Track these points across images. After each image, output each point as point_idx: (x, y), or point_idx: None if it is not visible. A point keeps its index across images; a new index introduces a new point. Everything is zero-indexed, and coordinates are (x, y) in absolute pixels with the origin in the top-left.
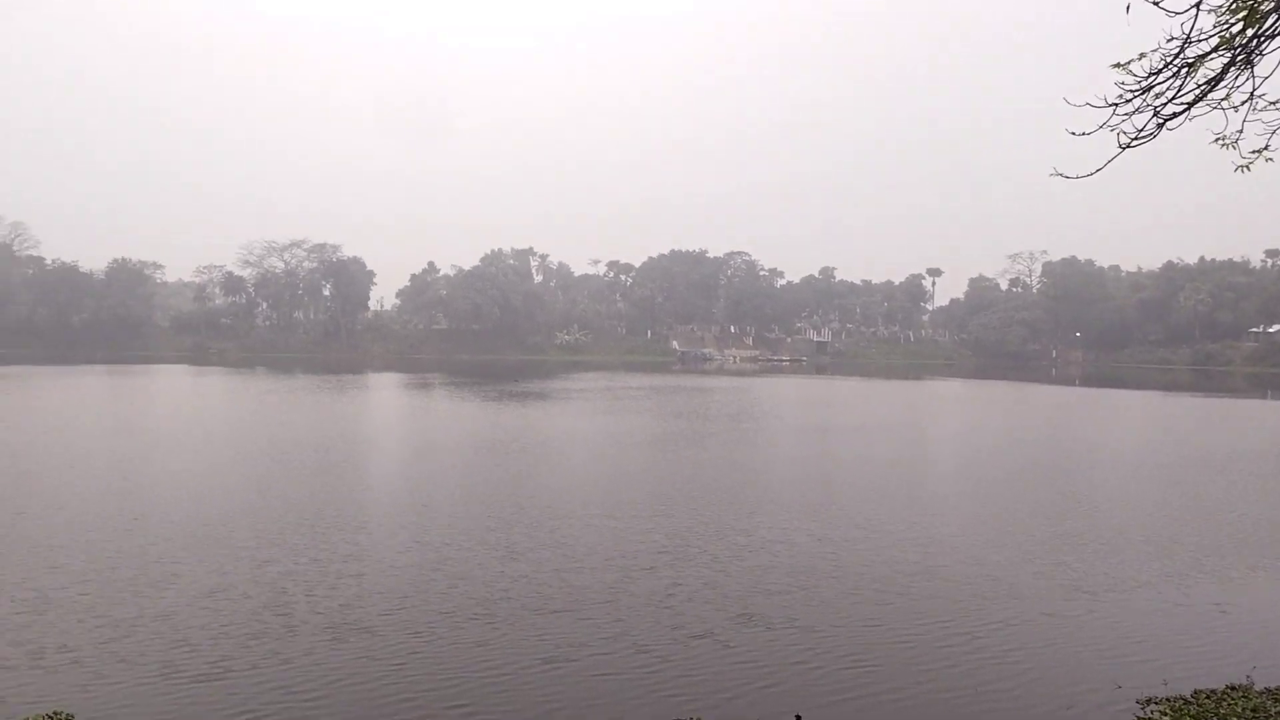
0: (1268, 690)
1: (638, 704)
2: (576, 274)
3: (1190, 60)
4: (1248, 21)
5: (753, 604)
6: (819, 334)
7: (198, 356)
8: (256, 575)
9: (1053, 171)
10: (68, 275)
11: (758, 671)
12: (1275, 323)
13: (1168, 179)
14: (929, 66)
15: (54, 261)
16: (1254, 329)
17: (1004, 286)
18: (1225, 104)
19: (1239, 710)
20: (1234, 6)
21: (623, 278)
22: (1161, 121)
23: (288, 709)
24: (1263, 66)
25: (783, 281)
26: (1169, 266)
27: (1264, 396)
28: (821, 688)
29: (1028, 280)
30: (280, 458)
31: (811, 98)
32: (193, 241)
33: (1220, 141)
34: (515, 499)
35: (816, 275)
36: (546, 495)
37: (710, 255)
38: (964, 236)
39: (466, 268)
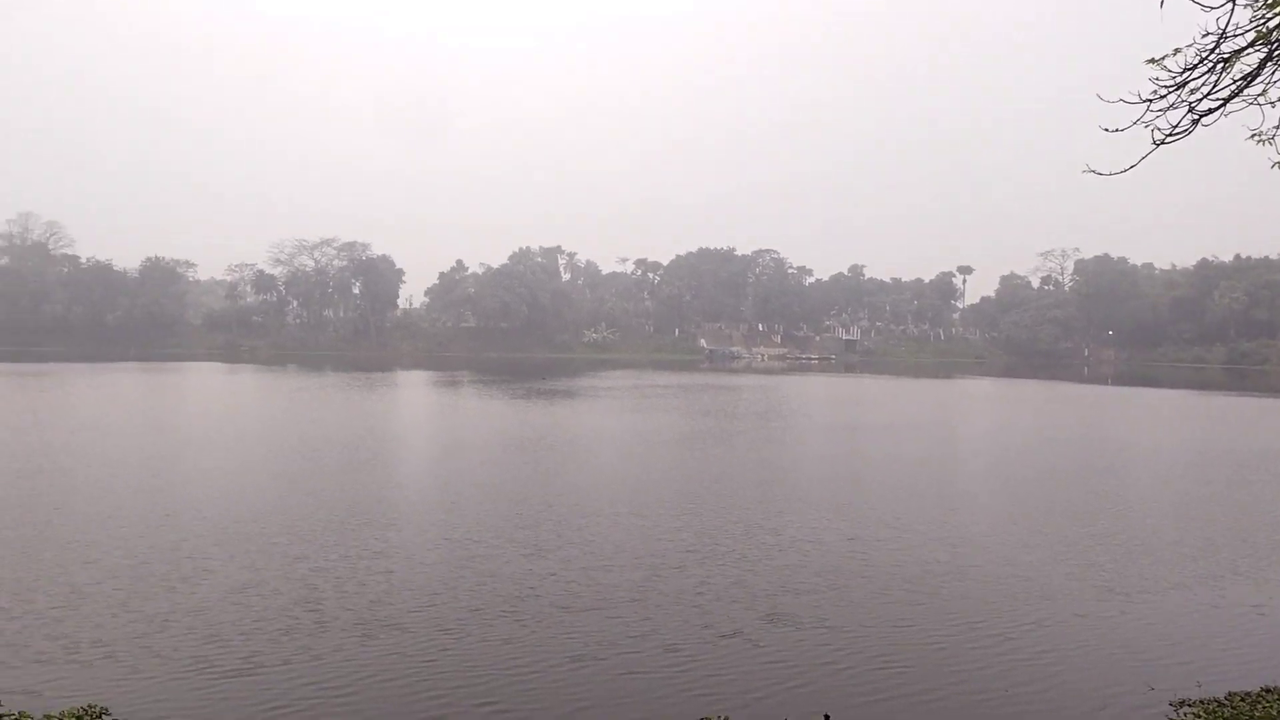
0: None
1: (666, 703)
2: (604, 272)
3: (1226, 56)
4: None
5: (782, 603)
6: (848, 332)
7: (230, 354)
8: (287, 571)
9: (1085, 168)
10: (102, 274)
11: (787, 671)
12: None
13: (1201, 176)
14: (929, 66)
15: (88, 260)
16: None
17: (1035, 284)
18: (1262, 99)
19: (1273, 713)
20: (1270, 1)
21: (650, 276)
22: (1196, 118)
23: (319, 705)
24: None
25: (811, 279)
26: (1203, 264)
27: None
28: (851, 688)
29: (1059, 278)
30: (311, 455)
31: (811, 98)
32: (192, 241)
33: (1256, 138)
34: (543, 497)
35: (845, 273)
36: (574, 493)
37: (738, 253)
38: (988, 234)
39: (495, 265)
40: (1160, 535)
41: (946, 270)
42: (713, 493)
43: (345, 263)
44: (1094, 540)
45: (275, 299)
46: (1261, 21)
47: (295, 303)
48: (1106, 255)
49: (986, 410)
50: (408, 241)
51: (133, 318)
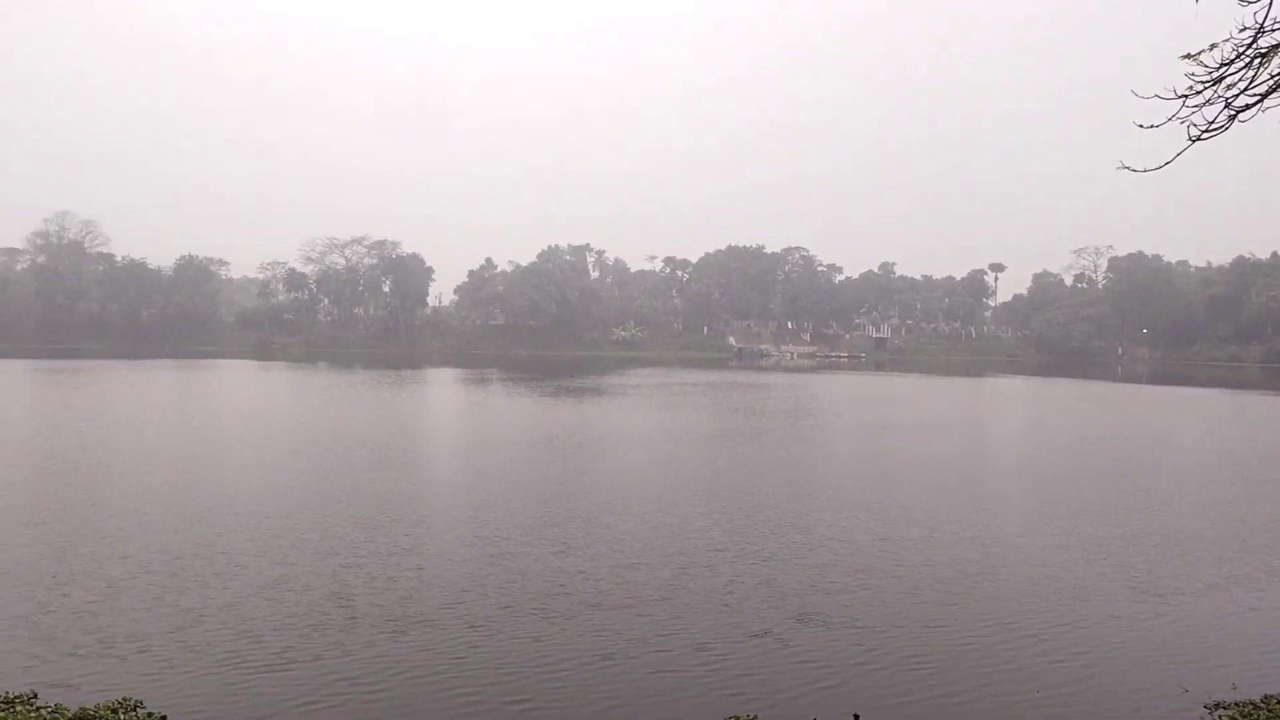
0: None
1: (695, 702)
2: (632, 270)
3: (1263, 50)
4: None
5: (812, 603)
6: (878, 330)
7: (262, 351)
8: (318, 567)
9: (1119, 165)
10: (137, 272)
11: (817, 671)
12: None
13: (1239, 171)
14: (929, 66)
15: (124, 259)
16: None
17: (1069, 282)
18: None
19: None
20: None
21: (679, 273)
22: (1234, 113)
23: (350, 700)
24: None
25: (841, 277)
26: (1240, 261)
27: None
28: (882, 689)
29: (1093, 276)
30: (342, 452)
31: (811, 98)
32: (191, 240)
33: None
34: (572, 494)
35: (875, 271)
36: (603, 491)
37: (767, 251)
38: (1008, 232)
39: (523, 264)
40: (1196, 536)
41: (978, 268)
42: (742, 491)
43: (375, 261)
44: (1128, 540)
45: (307, 297)
46: None
47: (326, 300)
48: (1140, 253)
49: (1018, 409)
50: (407, 242)
51: (167, 315)
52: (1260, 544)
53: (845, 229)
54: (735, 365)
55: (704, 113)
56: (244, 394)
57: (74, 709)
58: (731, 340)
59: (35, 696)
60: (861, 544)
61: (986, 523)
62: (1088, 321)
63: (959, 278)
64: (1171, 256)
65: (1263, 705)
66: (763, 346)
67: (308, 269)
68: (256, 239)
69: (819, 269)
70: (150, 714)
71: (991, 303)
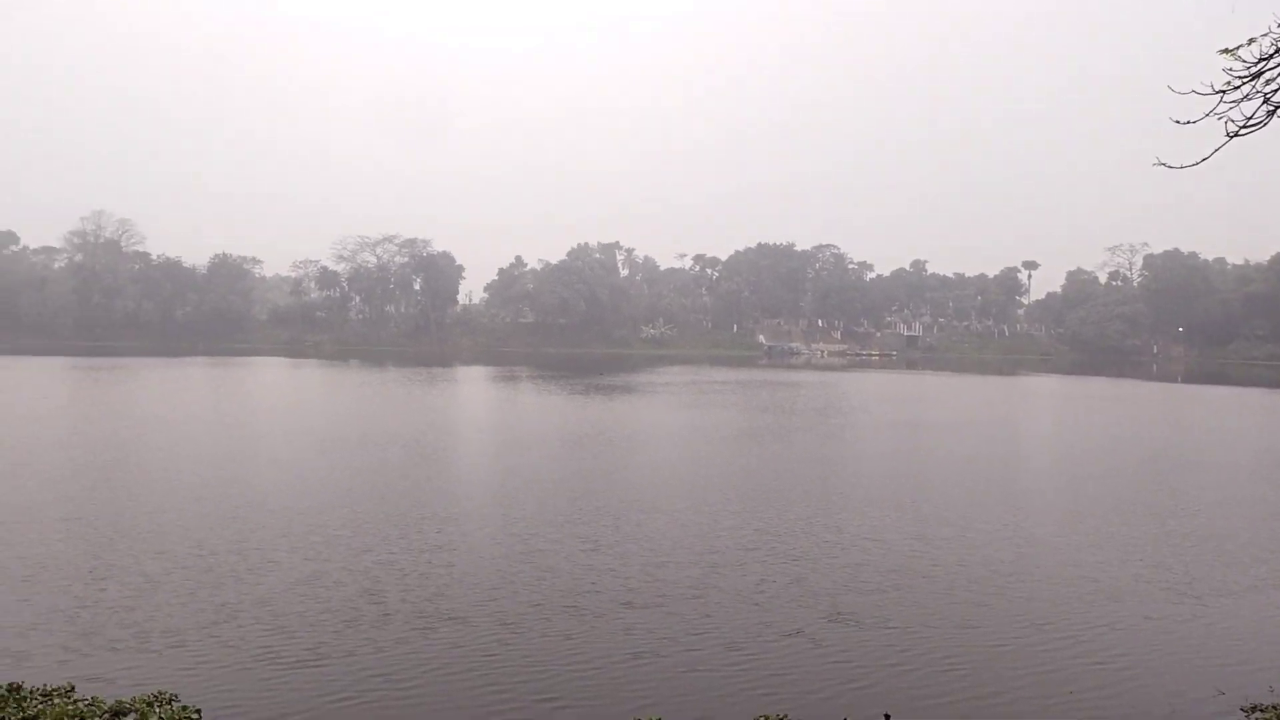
0: None
1: (726, 701)
2: (662, 268)
3: None
4: None
5: (843, 602)
6: (909, 328)
7: (294, 349)
8: (351, 564)
9: (1156, 161)
10: (171, 270)
11: (849, 671)
12: None
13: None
14: (929, 66)
15: (159, 257)
16: None
17: (1103, 280)
18: None
19: None
20: None
21: (709, 271)
22: (1273, 109)
23: (383, 696)
24: None
25: (872, 275)
26: (1278, 259)
27: None
28: (914, 689)
29: (1128, 273)
30: (373, 449)
31: (811, 98)
32: (191, 237)
33: None
34: (602, 492)
35: (907, 269)
36: (632, 489)
37: (797, 249)
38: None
39: (554, 261)
40: (1232, 536)
41: (1011, 266)
42: (772, 489)
43: (406, 259)
44: (1163, 541)
45: (338, 295)
46: None
47: (358, 298)
48: (1176, 250)
49: (1052, 407)
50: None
51: (201, 313)
52: None
53: (846, 228)
54: (765, 363)
55: (704, 113)
56: (277, 391)
57: (110, 702)
58: (761, 338)
59: (73, 689)
60: (893, 543)
61: (1020, 522)
62: (1122, 320)
63: (991, 275)
64: (1208, 254)
65: None
66: (793, 344)
67: (339, 267)
68: (257, 239)
69: (850, 267)
70: (185, 708)
71: (1025, 300)
